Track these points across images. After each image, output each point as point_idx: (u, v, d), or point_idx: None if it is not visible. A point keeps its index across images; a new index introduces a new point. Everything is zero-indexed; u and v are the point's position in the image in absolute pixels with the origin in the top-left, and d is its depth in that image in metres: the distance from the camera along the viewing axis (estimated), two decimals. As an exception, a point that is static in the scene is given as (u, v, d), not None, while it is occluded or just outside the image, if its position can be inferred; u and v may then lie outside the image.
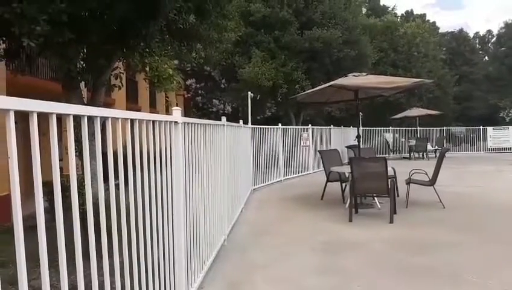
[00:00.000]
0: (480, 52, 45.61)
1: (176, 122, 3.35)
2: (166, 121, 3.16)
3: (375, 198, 7.80)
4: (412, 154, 19.92)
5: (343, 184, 8.41)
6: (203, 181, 4.30)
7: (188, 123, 3.71)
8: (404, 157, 19.97)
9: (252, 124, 10.62)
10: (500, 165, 15.77)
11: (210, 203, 4.64)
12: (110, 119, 2.19)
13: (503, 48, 37.10)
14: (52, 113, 1.68)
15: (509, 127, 24.90)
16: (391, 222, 6.51)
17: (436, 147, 19.63)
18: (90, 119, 2.00)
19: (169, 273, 3.13)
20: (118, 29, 4.95)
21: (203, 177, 4.33)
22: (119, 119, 2.34)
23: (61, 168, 1.79)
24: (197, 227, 4.00)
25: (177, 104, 18.42)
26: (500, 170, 14.33)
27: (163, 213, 3.02)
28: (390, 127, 22.21)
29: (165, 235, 3.07)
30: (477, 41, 46.33)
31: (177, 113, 3.40)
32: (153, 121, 2.87)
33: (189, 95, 21.98)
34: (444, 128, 24.02)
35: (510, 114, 33.91)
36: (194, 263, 3.84)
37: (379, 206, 7.68)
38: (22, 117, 1.50)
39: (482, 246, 5.31)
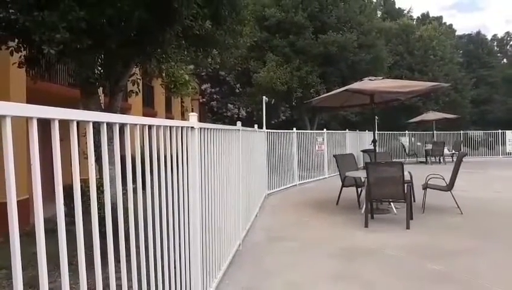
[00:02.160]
0: (499, 54, 44.91)
1: (192, 127, 3.38)
2: (183, 127, 3.20)
3: (392, 203, 7.73)
4: (428, 158, 19.68)
5: (359, 189, 8.35)
6: (218, 186, 4.32)
7: (204, 128, 3.75)
8: (421, 162, 19.76)
9: (266, 128, 10.64)
10: (520, 170, 15.50)
11: (225, 208, 4.66)
12: (128, 125, 2.23)
13: (521, 50, 36.49)
14: (73, 121, 1.72)
15: (529, 131, 24.43)
16: (408, 227, 6.44)
17: (453, 151, 19.36)
18: (109, 125, 2.04)
19: (185, 278, 3.15)
20: (135, 35, 5.03)
21: (219, 182, 4.35)
22: (137, 125, 2.38)
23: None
24: (213, 232, 4.02)
25: (192, 108, 18.56)
26: (520, 175, 14.07)
27: (179, 217, 3.05)
28: (407, 131, 21.99)
29: (181, 240, 3.10)
30: (495, 44, 45.65)
31: (193, 118, 3.44)
32: (170, 127, 2.91)
33: (204, 99, 22.14)
34: (461, 132, 23.69)
35: (530, 117, 33.26)
36: (210, 267, 3.86)
37: (395, 211, 7.60)
38: (41, 122, 1.54)
39: (501, 253, 5.22)
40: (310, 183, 12.71)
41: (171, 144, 2.97)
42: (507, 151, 23.20)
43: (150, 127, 2.54)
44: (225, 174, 4.70)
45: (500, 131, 23.44)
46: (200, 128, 3.61)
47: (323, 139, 14.09)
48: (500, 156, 23.01)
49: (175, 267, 2.94)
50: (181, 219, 3.10)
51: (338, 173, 9.21)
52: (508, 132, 23.52)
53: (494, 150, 23.60)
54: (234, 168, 5.33)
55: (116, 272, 2.03)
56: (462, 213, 7.34)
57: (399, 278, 4.42)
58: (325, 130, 14.63)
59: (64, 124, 1.74)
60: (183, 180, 3.18)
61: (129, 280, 2.20)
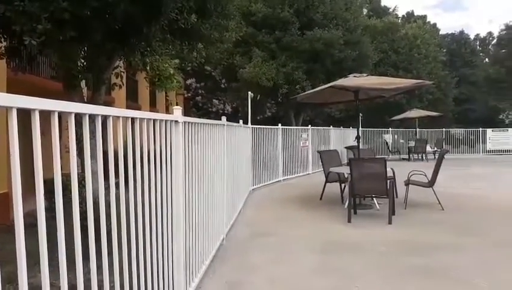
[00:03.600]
0: (481, 54, 45.63)
1: (176, 121, 3.36)
2: (167, 120, 3.17)
3: (374, 199, 7.82)
4: (411, 155, 19.94)
5: (343, 185, 8.42)
6: (202, 180, 4.30)
7: (188, 122, 3.72)
8: (404, 159, 20.00)
9: (252, 124, 10.63)
10: (500, 167, 15.81)
11: (209, 203, 4.65)
12: (111, 117, 2.20)
13: (503, 50, 37.11)
14: (54, 111, 1.69)
15: (509, 129, 24.95)
16: (390, 223, 6.53)
17: (436, 149, 19.65)
18: (91, 117, 2.02)
19: (167, 272, 3.14)
20: (120, 28, 4.96)
21: (203, 177, 4.34)
22: (120, 118, 2.35)
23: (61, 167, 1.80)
24: (196, 226, 4.01)
25: (177, 103, 18.43)
26: (499, 172, 14.35)
27: (162, 212, 3.03)
28: (390, 128, 22.24)
29: (164, 234, 3.08)
30: (477, 43, 46.35)
31: (177, 112, 3.41)
32: (154, 120, 2.88)
33: (189, 94, 22.00)
34: (444, 130, 24.05)
35: (510, 116, 33.93)
36: (193, 262, 3.85)
37: (378, 207, 7.70)
38: (20, 116, 1.51)
39: (480, 248, 5.32)
40: (294, 179, 12.77)
41: (155, 138, 2.94)
42: (487, 149, 23.64)
43: (133, 120, 2.52)
44: (209, 169, 4.69)
45: (481, 129, 23.87)
46: (185, 122, 3.59)
47: (307, 136, 14.15)
48: (481, 153, 23.43)
49: (158, 262, 2.92)
50: (164, 214, 3.08)
51: (322, 168, 9.27)
52: (489, 130, 23.98)
53: (475, 147, 24.03)
54: (218, 163, 5.31)
55: (97, 267, 2.01)
56: (443, 209, 7.46)
57: (381, 273, 4.48)
58: (309, 126, 14.69)
59: (46, 118, 1.71)
60: (166, 175, 3.16)
61: (111, 274, 2.18)
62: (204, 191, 4.38)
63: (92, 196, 2.01)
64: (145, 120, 2.73)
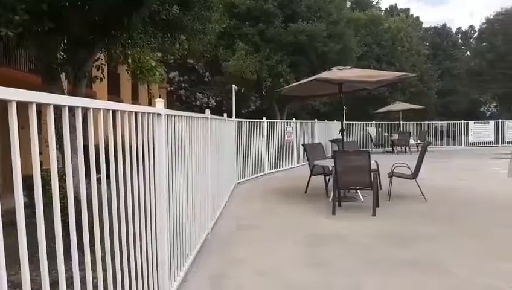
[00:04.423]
0: (463, 47, 46.17)
1: (159, 114, 3.30)
2: (149, 113, 3.11)
3: (358, 191, 7.87)
4: (394, 148, 20.14)
5: (327, 177, 8.45)
6: (186, 175, 4.26)
7: (171, 115, 3.67)
8: (387, 152, 20.19)
9: (236, 117, 10.59)
10: (482, 159, 16.08)
11: (193, 197, 4.61)
12: (91, 110, 2.14)
13: (484, 44, 37.62)
14: (32, 103, 1.63)
15: (490, 121, 25.39)
16: (374, 215, 6.58)
17: (419, 141, 19.88)
18: (72, 110, 1.96)
19: (151, 267, 3.10)
20: (100, 19, 4.86)
21: (187, 171, 4.29)
22: (101, 110, 2.29)
23: (40, 162, 1.75)
24: (181, 220, 3.97)
25: (160, 96, 18.25)
26: (481, 164, 14.59)
27: (145, 207, 2.99)
28: (374, 121, 22.41)
29: (148, 229, 3.04)
30: (459, 37, 46.87)
31: (160, 104, 3.36)
32: (136, 113, 2.82)
33: (172, 88, 21.81)
34: (427, 122, 24.34)
35: (491, 109, 34.53)
36: (177, 256, 3.81)
37: (362, 199, 7.75)
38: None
39: (462, 239, 5.39)
40: (279, 173, 12.78)
41: (137, 131, 2.89)
42: (469, 141, 24.04)
43: (114, 112, 2.46)
44: (193, 163, 4.64)
45: (463, 122, 24.25)
46: (167, 115, 3.54)
47: (292, 129, 14.17)
48: (463, 145, 23.81)
49: (142, 256, 2.88)
50: (147, 208, 3.03)
51: (307, 162, 9.29)
52: (470, 123, 24.38)
53: (457, 140, 24.40)
54: (202, 157, 5.27)
55: (80, 263, 1.97)
56: (426, 200, 7.55)
57: (365, 264, 4.50)
58: (294, 119, 14.71)
59: (25, 111, 1.65)
60: (149, 169, 3.11)
61: (93, 271, 2.14)
62: (188, 185, 4.34)
63: (73, 191, 1.96)
64: (127, 113, 2.67)
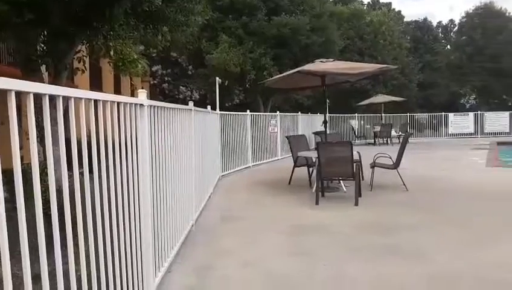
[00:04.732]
0: (443, 41, 46.77)
1: (141, 104, 3.29)
2: (132, 104, 3.09)
3: (341, 182, 7.97)
4: (376, 140, 20.38)
5: (310, 169, 8.53)
6: (170, 167, 4.26)
7: (154, 106, 3.66)
8: (369, 143, 20.41)
9: (220, 110, 10.57)
10: (462, 150, 16.38)
11: (177, 189, 4.61)
12: (73, 99, 2.12)
13: (464, 37, 38.21)
14: (10, 90, 1.61)
15: (469, 113, 25.89)
16: (356, 204, 6.69)
17: (400, 133, 20.15)
18: (52, 100, 1.94)
19: (136, 258, 3.10)
20: (81, 10, 4.80)
21: (170, 163, 4.29)
22: (83, 100, 2.27)
23: (21, 157, 1.73)
24: (165, 212, 3.98)
25: (142, 88, 18.07)
26: (461, 154, 14.87)
27: (129, 199, 2.99)
28: (356, 114, 22.62)
29: (132, 221, 3.04)
30: (440, 31, 47.45)
31: (142, 95, 3.34)
32: (118, 103, 2.80)
33: (155, 81, 21.61)
34: (408, 114, 24.67)
35: (470, 101, 35.15)
36: (162, 247, 3.82)
37: (345, 189, 7.85)
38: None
39: (443, 227, 5.51)
40: (263, 165, 12.83)
41: (120, 122, 2.88)
42: (449, 132, 24.49)
43: (96, 102, 2.45)
44: (177, 155, 4.64)
45: (443, 113, 24.69)
46: (150, 106, 3.53)
47: (276, 122, 14.22)
48: (444, 137, 24.24)
49: (126, 248, 2.88)
50: (131, 201, 3.03)
51: (291, 154, 9.35)
52: (451, 115, 24.84)
53: (438, 131, 24.85)
54: (186, 149, 5.27)
55: (63, 256, 1.96)
56: (407, 190, 7.69)
57: (349, 252, 4.58)
58: (278, 112, 14.75)
59: (4, 106, 1.63)
60: (132, 161, 3.10)
61: (77, 264, 2.14)
62: (172, 176, 4.34)
63: (55, 184, 1.95)
64: (109, 103, 2.65)
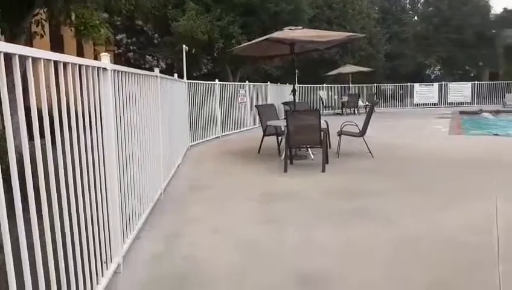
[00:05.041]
0: (411, 12, 47.14)
1: (104, 68, 3.18)
2: (94, 67, 2.97)
3: (309, 149, 8.07)
4: (344, 110, 20.64)
5: (279, 137, 8.57)
6: (136, 135, 4.17)
7: (118, 71, 3.54)
8: (337, 114, 20.65)
9: (188, 80, 10.38)
10: (426, 119, 16.82)
11: (144, 158, 4.53)
12: (30, 59, 2.02)
13: (431, 8, 38.62)
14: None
15: (434, 83, 26.50)
16: (323, 171, 6.80)
17: (367, 103, 20.45)
18: (9, 68, 1.83)
19: (103, 226, 3.06)
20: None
21: (136, 131, 4.20)
22: (42, 61, 2.16)
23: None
24: (132, 181, 3.92)
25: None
26: (425, 123, 15.27)
27: (94, 168, 2.92)
28: (325, 84, 22.74)
29: (98, 188, 2.98)
30: (407, 2, 47.75)
31: (105, 59, 3.22)
32: (80, 66, 2.69)
33: (120, 50, 20.96)
34: (375, 85, 25.00)
35: (435, 72, 35.89)
36: (130, 215, 3.79)
37: (312, 157, 7.96)
38: None
39: (407, 192, 5.68)
40: (232, 135, 12.80)
41: (82, 87, 2.77)
42: (415, 102, 25.07)
43: (56, 64, 2.34)
44: (143, 123, 4.55)
45: (409, 84, 25.17)
46: (114, 71, 3.41)
47: (245, 91, 14.13)
48: (409, 107, 24.79)
49: (92, 216, 2.83)
50: (96, 169, 2.96)
51: (260, 124, 9.35)
52: (416, 85, 25.37)
53: (403, 102, 25.38)
54: (153, 117, 5.16)
55: (27, 227, 1.91)
56: (373, 157, 7.87)
57: (318, 218, 4.67)
58: (247, 82, 14.64)
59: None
60: (96, 129, 3.01)
61: (42, 235, 2.08)
62: (138, 145, 4.26)
63: (14, 150, 1.87)
64: (70, 65, 2.53)
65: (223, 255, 3.69)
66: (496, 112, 20.00)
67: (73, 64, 2.58)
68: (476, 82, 26.09)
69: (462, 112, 19.79)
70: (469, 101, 25.20)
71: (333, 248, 3.80)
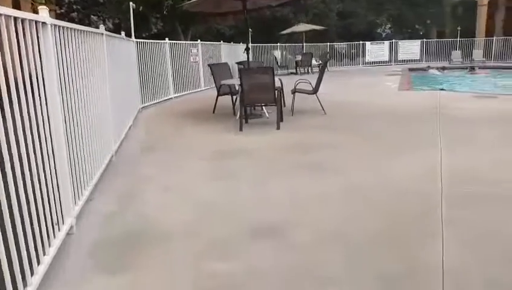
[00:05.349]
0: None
1: (43, 23, 2.97)
2: (32, 21, 2.76)
3: (264, 108, 8.09)
4: (298, 69, 20.70)
5: (234, 97, 8.51)
6: (82, 96, 4.00)
7: (59, 26, 3.33)
8: (292, 73, 20.69)
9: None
10: (377, 77, 17.20)
11: (92, 119, 4.37)
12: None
13: (381, -34, 38.71)
14: None
15: (385, 42, 26.98)
16: (278, 128, 6.87)
17: (320, 62, 20.58)
18: None
19: (52, 188, 2.96)
20: None
21: (82, 92, 4.02)
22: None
23: None
24: (80, 143, 3.79)
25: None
26: (376, 81, 15.62)
27: (38, 128, 2.78)
28: (279, 44, 22.61)
29: (44, 151, 2.86)
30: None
31: (44, 12, 3.01)
32: (15, 19, 2.48)
33: (62, 10, 19.77)
34: (328, 44, 25.13)
35: (386, 30, 36.46)
36: (80, 178, 3.68)
37: (267, 115, 7.99)
38: None
39: (359, 145, 5.85)
40: (185, 96, 12.58)
41: (19, 43, 2.58)
42: (366, 61, 25.50)
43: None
44: (89, 83, 4.35)
45: (361, 42, 25.47)
46: (54, 26, 3.21)
47: (197, 51, 13.81)
48: (361, 65, 25.21)
49: (40, 181, 2.72)
50: (41, 133, 2.82)
51: (214, 84, 9.21)
52: (367, 43, 25.72)
53: (356, 60, 25.75)
54: (99, 77, 4.95)
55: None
56: (326, 114, 8.00)
57: (272, 172, 4.73)
58: (199, 41, 14.29)
59: None
60: (39, 89, 2.85)
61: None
62: (84, 106, 4.09)
63: None
64: (3, 17, 2.33)
65: (177, 213, 3.69)
66: (443, 69, 20.72)
67: (7, 17, 2.39)
68: (425, 40, 26.83)
69: (411, 69, 20.39)
70: (418, 58, 25.96)
71: (287, 201, 3.89)
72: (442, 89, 11.89)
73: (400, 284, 2.54)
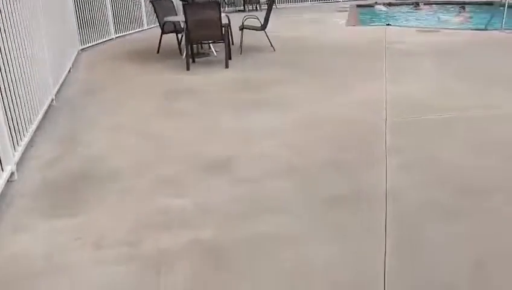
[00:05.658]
0: None
1: None
2: None
3: (211, 46, 7.85)
4: (246, 6, 20.11)
5: (179, 35, 8.17)
6: (11, 37, 3.68)
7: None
8: (239, 10, 20.08)
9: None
10: (326, 13, 17.01)
11: (25, 62, 4.06)
12: None
13: None
14: None
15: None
16: (227, 67, 6.73)
17: (268, -1, 20.07)
18: None
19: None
20: None
21: (11, 33, 3.70)
22: None
23: None
24: (13, 86, 3.53)
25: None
26: (325, 17, 15.46)
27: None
28: (225, -20, 21.71)
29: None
30: None
31: None
32: None
33: None
34: (276, -20, 24.41)
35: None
36: (17, 124, 3.47)
37: (215, 54, 7.78)
38: None
39: (307, 80, 5.88)
40: (128, 36, 11.90)
41: None
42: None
43: None
44: (19, 23, 4.00)
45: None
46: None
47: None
48: (310, 2, 24.80)
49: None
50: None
51: (157, 22, 8.76)
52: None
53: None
54: (29, 15, 4.55)
55: None
56: (275, 50, 7.90)
57: (223, 109, 4.70)
58: (139, -24, 13.40)
59: None
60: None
61: None
62: (15, 48, 3.78)
63: None
64: None
65: (125, 153, 3.61)
66: (389, 5, 20.82)
67: None
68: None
69: (358, 5, 20.32)
70: (365, -6, 25.86)
71: (238, 136, 3.89)
72: (388, 24, 12.00)
73: (346, 205, 2.66)
